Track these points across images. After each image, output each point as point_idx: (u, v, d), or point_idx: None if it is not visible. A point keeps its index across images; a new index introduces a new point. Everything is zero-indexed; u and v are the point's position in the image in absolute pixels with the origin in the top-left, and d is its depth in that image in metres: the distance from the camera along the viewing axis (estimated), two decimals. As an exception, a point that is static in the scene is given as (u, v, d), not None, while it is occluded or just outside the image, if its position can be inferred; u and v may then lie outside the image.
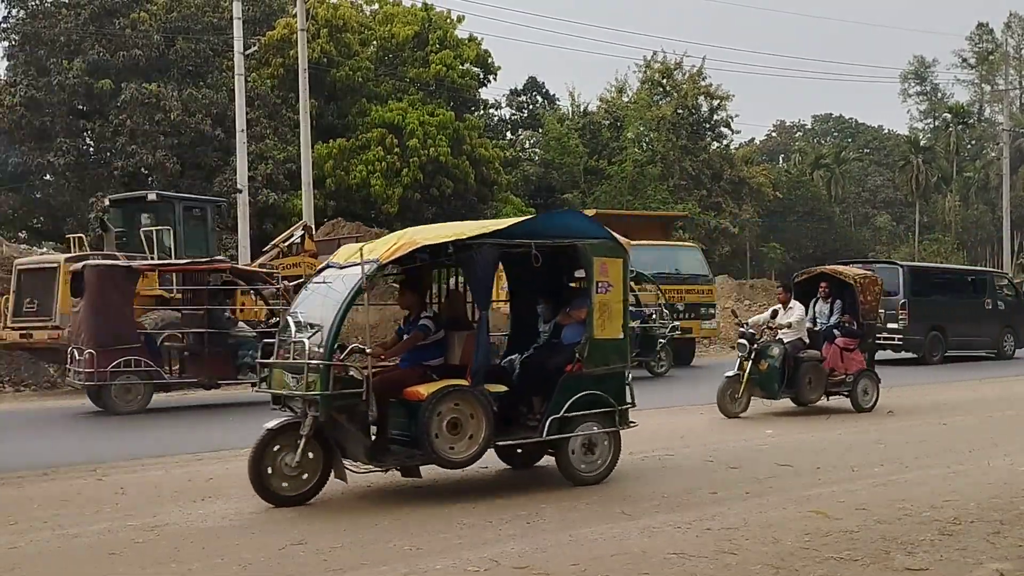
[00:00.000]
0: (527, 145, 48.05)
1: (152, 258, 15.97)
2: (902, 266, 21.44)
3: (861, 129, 75.64)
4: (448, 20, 37.99)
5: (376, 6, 39.32)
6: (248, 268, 14.70)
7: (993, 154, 62.91)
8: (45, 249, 24.95)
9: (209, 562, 5.43)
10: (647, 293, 17.91)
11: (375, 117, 33.74)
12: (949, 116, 64.91)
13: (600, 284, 7.32)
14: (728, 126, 48.44)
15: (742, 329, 12.00)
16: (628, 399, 7.62)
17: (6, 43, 32.42)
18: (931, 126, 71.51)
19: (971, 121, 66.71)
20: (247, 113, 25.38)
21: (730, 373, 11.69)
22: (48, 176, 32.00)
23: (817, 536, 5.82)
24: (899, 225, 64.27)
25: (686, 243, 24.65)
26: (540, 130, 46.95)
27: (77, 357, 12.36)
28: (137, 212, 17.44)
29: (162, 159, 29.35)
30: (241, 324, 13.92)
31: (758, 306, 27.05)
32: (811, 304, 12.52)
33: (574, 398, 7.22)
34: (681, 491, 7.19)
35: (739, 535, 5.86)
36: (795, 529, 6.00)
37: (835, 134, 76.64)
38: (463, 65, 37.30)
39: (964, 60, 72.44)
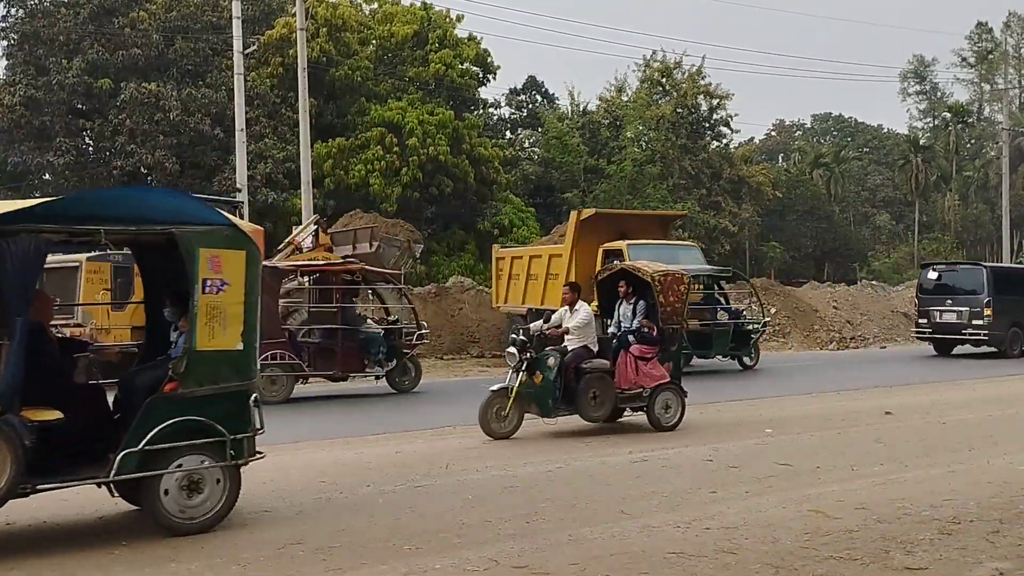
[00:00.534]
0: (526, 144, 48.05)
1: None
2: (986, 267, 22.71)
3: (861, 128, 75.68)
4: (447, 19, 37.99)
5: (375, 5, 39.33)
6: (374, 269, 15.67)
7: (992, 153, 62.94)
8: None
9: (208, 561, 5.43)
10: (741, 290, 19.97)
11: (374, 116, 33.74)
12: (949, 115, 64.95)
13: (208, 282, 5.94)
14: (728, 125, 48.46)
15: (513, 335, 10.30)
16: (251, 425, 6.40)
17: (5, 42, 32.41)
18: (931, 125, 71.56)
19: (970, 120, 66.75)
20: (246, 112, 25.37)
21: (496, 386, 10.02)
22: (47, 175, 31.99)
23: (817, 535, 5.82)
24: (898, 224, 64.30)
25: (686, 242, 24.61)
26: (540, 129, 46.95)
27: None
28: None
29: (161, 158, 29.35)
30: (369, 321, 15.12)
31: (758, 305, 26.96)
32: (616, 306, 10.94)
33: (162, 426, 5.84)
34: (681, 490, 7.19)
35: (739, 534, 5.86)
36: (795, 528, 5.99)
37: (835, 133, 76.68)
38: (462, 64, 37.30)
39: (964, 59, 72.52)
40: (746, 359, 18.72)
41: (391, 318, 15.79)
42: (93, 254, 15.71)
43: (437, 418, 11.79)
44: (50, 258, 15.46)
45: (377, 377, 14.67)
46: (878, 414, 11.65)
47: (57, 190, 31.95)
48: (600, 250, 19.82)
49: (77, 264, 15.41)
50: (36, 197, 33.80)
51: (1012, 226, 48.53)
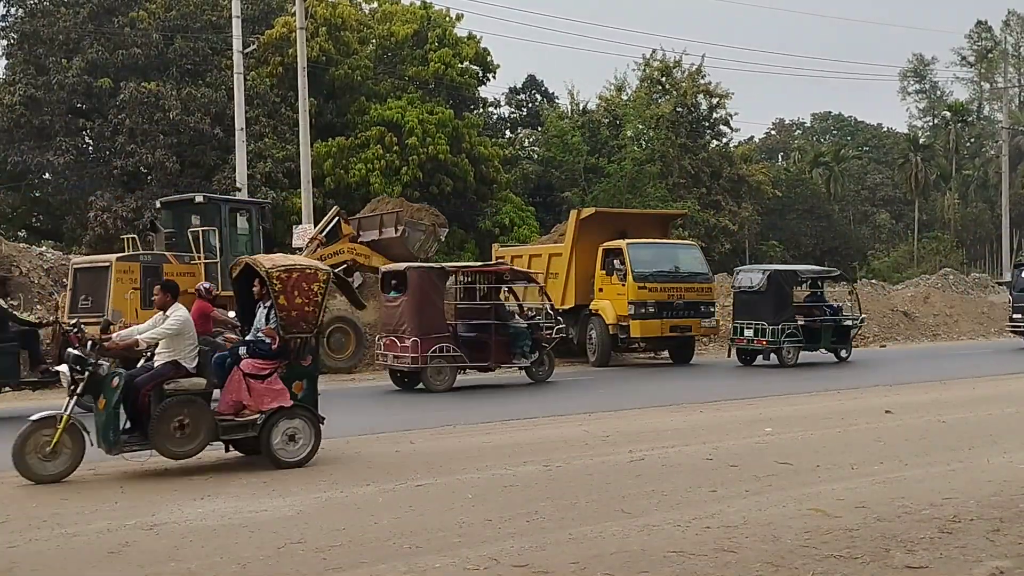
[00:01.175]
0: (526, 143, 48.05)
1: (199, 258, 16.78)
2: None
3: (860, 127, 75.69)
4: (447, 18, 37.98)
5: (375, 4, 39.31)
6: (518, 269, 17.06)
7: (992, 152, 62.98)
8: (44, 248, 24.93)
9: (208, 561, 5.43)
10: (839, 290, 21.77)
11: (374, 115, 33.73)
12: (948, 114, 64.95)
13: None
14: (727, 124, 48.43)
15: (70, 350, 8.26)
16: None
17: (5, 42, 32.38)
18: (930, 124, 71.60)
19: (970, 119, 66.76)
20: (246, 112, 25.36)
21: (41, 414, 7.91)
22: (47, 175, 31.97)
23: (817, 534, 5.82)
24: (898, 223, 64.33)
25: (685, 241, 24.62)
26: (540, 128, 46.94)
27: (399, 344, 14.61)
28: (186, 214, 18.08)
29: (161, 158, 29.34)
30: (517, 317, 16.21)
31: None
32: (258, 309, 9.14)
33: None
34: (681, 489, 7.19)
35: (739, 533, 5.86)
36: (795, 527, 5.99)
37: (834, 132, 76.67)
38: (462, 63, 37.29)
39: (963, 58, 72.56)
40: (842, 352, 20.13)
41: (530, 314, 16.84)
42: (123, 255, 16.46)
43: (437, 417, 11.79)
44: (82, 258, 16.20)
45: (520, 368, 15.92)
46: (878, 413, 11.65)
47: (57, 189, 31.95)
48: (600, 249, 19.84)
49: (108, 264, 15.98)
50: (35, 196, 33.84)
51: (1012, 225, 48.58)
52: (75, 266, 17.11)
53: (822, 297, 21.16)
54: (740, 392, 14.39)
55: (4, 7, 32.43)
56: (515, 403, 13.60)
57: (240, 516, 6.50)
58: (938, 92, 74.02)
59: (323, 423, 8.57)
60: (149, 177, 31.23)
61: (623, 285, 19.04)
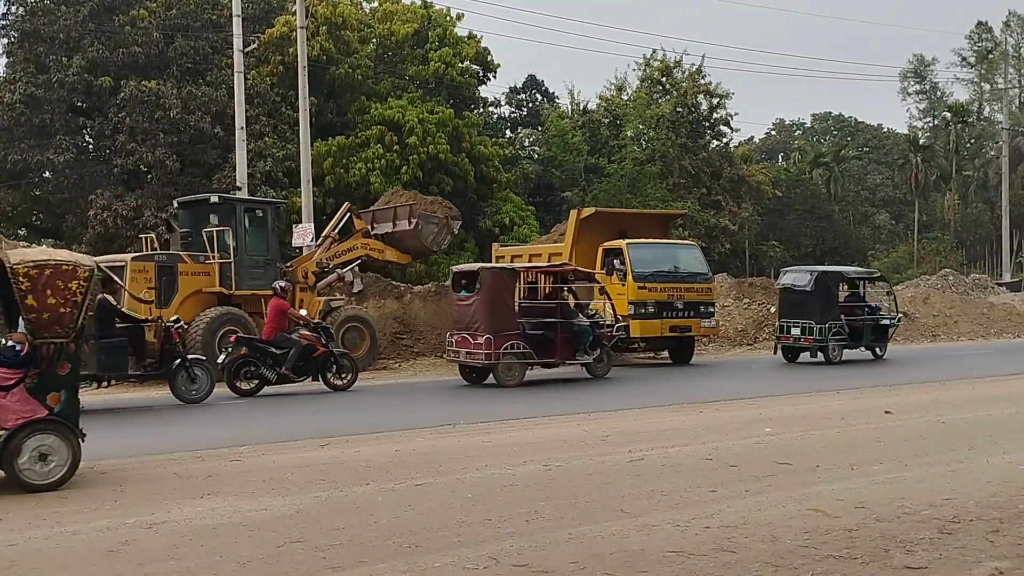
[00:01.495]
0: (526, 143, 48.06)
1: (215, 257, 17.02)
2: None
3: (860, 128, 75.72)
4: (447, 18, 37.99)
5: (375, 4, 39.31)
6: (581, 269, 17.44)
7: (992, 153, 62.99)
8: (44, 246, 24.95)
9: (207, 559, 5.42)
10: (878, 291, 22.79)
11: (374, 115, 33.74)
12: (948, 115, 65.00)
13: None
14: (728, 124, 48.47)
15: None
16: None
17: (5, 40, 32.37)
18: (930, 125, 71.62)
19: (970, 120, 66.80)
20: (246, 111, 25.36)
21: None
22: (47, 173, 31.96)
23: (816, 534, 5.82)
24: (898, 223, 64.36)
25: (685, 241, 24.64)
26: (540, 128, 46.95)
27: (473, 341, 15.28)
28: (203, 214, 18.26)
29: (161, 156, 29.33)
30: (580, 316, 16.76)
31: (757, 304, 27.08)
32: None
33: None
34: (680, 489, 7.19)
35: (738, 533, 5.86)
36: (794, 527, 5.99)
37: (834, 132, 76.70)
38: (462, 63, 37.30)
39: (963, 59, 72.60)
40: (878, 349, 21.04)
41: (591, 312, 17.37)
42: (138, 255, 16.92)
43: (437, 416, 11.79)
44: (100, 258, 16.82)
45: (582, 364, 16.53)
46: (878, 413, 11.65)
47: (57, 188, 31.94)
48: (600, 249, 19.84)
49: (123, 264, 16.28)
50: (35, 195, 33.83)
51: (1012, 226, 48.60)
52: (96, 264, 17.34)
53: (863, 297, 21.85)
54: (740, 392, 14.39)
55: (4, 5, 32.42)
56: (514, 403, 13.60)
57: (239, 515, 6.50)
58: (938, 93, 74.09)
59: (84, 440, 7.61)
60: (149, 176, 31.22)
61: (623, 285, 19.05)
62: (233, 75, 25.27)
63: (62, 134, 30.13)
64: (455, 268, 17.22)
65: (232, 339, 15.04)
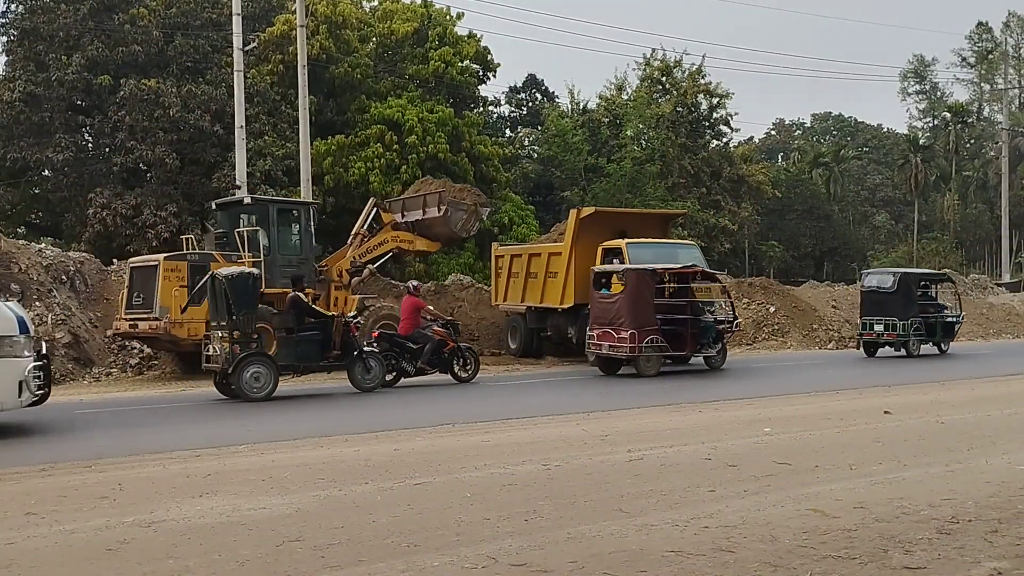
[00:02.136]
0: (526, 143, 48.04)
1: (247, 257, 17.42)
2: None
3: (860, 128, 75.73)
4: (447, 17, 37.97)
5: (375, 3, 39.30)
6: (707, 270, 18.86)
7: (992, 153, 62.99)
8: (43, 244, 24.92)
9: (206, 558, 5.42)
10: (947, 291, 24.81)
11: (374, 114, 33.72)
12: (948, 115, 65.01)
13: None
14: (727, 124, 48.48)
15: None
16: None
17: (5, 38, 32.35)
18: (930, 125, 71.62)
19: (970, 120, 66.80)
20: (246, 109, 25.35)
21: None
22: (47, 171, 31.95)
23: (815, 534, 5.82)
24: (898, 224, 64.37)
25: (685, 241, 24.63)
26: (540, 127, 46.93)
27: (616, 336, 16.61)
28: (237, 214, 18.83)
29: (161, 155, 29.31)
30: (706, 313, 18.32)
31: (756, 304, 27.12)
32: None
33: None
34: (679, 488, 7.19)
35: (737, 533, 5.86)
36: (793, 527, 5.99)
37: (834, 133, 76.71)
38: (462, 62, 37.27)
39: (963, 59, 72.60)
40: (943, 344, 23.01)
41: (712, 309, 18.81)
42: (171, 254, 17.60)
43: (436, 416, 11.79)
44: (137, 258, 17.45)
45: (705, 356, 18.05)
46: (877, 413, 11.65)
47: (56, 186, 31.92)
48: (599, 248, 19.83)
49: (156, 263, 17.02)
50: (35, 193, 33.82)
51: (1011, 226, 48.62)
52: (131, 265, 18.25)
53: (933, 297, 23.88)
54: (739, 392, 14.40)
55: (4, 3, 32.41)
56: (514, 402, 13.60)
57: (238, 514, 6.49)
58: (938, 93, 74.09)
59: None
60: (149, 174, 31.21)
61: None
62: (233, 74, 25.27)
63: (61, 132, 30.11)
64: (596, 268, 18.37)
65: (375, 335, 16.07)
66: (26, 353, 10.22)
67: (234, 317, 13.50)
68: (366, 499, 6.94)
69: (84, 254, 22.41)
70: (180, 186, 30.03)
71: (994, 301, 34.94)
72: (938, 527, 5.99)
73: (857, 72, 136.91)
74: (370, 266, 19.57)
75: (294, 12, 26.27)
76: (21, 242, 22.16)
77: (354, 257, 19.55)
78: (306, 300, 14.91)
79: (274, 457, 8.80)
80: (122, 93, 29.38)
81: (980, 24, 71.87)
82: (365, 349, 14.88)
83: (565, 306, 19.93)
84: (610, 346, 16.82)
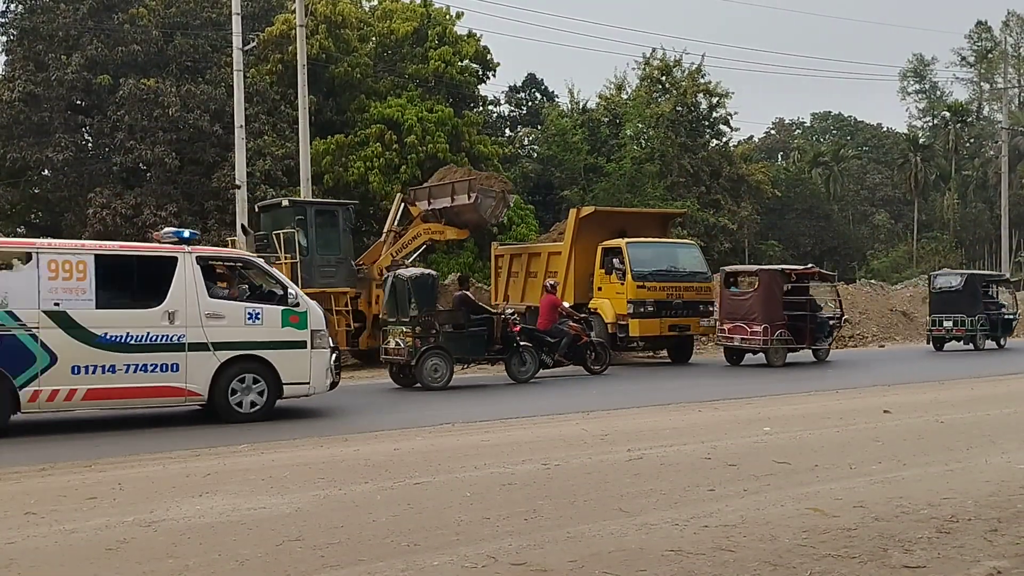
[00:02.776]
0: (526, 142, 48.00)
1: (285, 258, 17.87)
2: None
3: (860, 127, 75.67)
4: (447, 16, 37.94)
5: (375, 2, 39.27)
6: (823, 272, 21.42)
7: (992, 152, 63.00)
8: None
9: (206, 558, 5.42)
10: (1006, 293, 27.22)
11: (374, 113, 33.70)
12: (948, 114, 64.97)
13: None
14: (727, 123, 48.43)
15: None
16: None
17: (4, 38, 32.34)
18: (930, 124, 71.58)
19: (970, 119, 66.77)
20: (246, 109, 25.34)
21: None
22: (46, 171, 31.94)
23: (815, 533, 5.82)
24: (897, 223, 64.33)
25: (685, 240, 24.63)
26: (540, 126, 46.90)
27: (749, 330, 18.85)
28: (278, 216, 19.26)
29: (160, 154, 29.30)
30: (823, 309, 20.60)
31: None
32: None
33: None
34: (679, 488, 7.19)
35: (736, 532, 5.86)
36: (792, 526, 5.99)
37: (834, 132, 76.62)
38: (462, 61, 37.25)
39: (963, 58, 72.62)
40: (1002, 340, 25.06)
41: (822, 307, 21.09)
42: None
43: (436, 415, 11.79)
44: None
45: (817, 349, 19.95)
46: (876, 413, 11.65)
47: (56, 186, 31.91)
48: (599, 248, 19.84)
49: None
50: (34, 193, 33.80)
51: (1011, 225, 48.60)
52: None
53: (994, 296, 25.85)
54: (739, 391, 14.40)
55: (4, 3, 32.40)
56: (514, 402, 13.61)
57: (238, 513, 6.49)
58: (938, 92, 74.06)
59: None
60: (148, 174, 31.20)
61: (622, 284, 19.10)
62: (232, 73, 25.25)
63: (61, 132, 30.10)
64: (727, 268, 20.54)
65: (515, 329, 16.54)
66: (330, 344, 12.05)
67: (416, 314, 15.05)
68: (366, 499, 6.95)
69: (84, 253, 22.42)
70: (180, 186, 30.02)
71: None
72: (937, 526, 6.00)
73: (857, 72, 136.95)
74: (406, 261, 19.92)
75: (293, 12, 26.27)
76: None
77: (391, 254, 19.96)
78: (474, 299, 16.53)
79: (273, 457, 8.80)
80: (121, 93, 29.37)
81: (980, 23, 71.94)
82: (521, 344, 16.04)
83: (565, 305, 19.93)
84: (742, 339, 18.91)
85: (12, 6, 32.30)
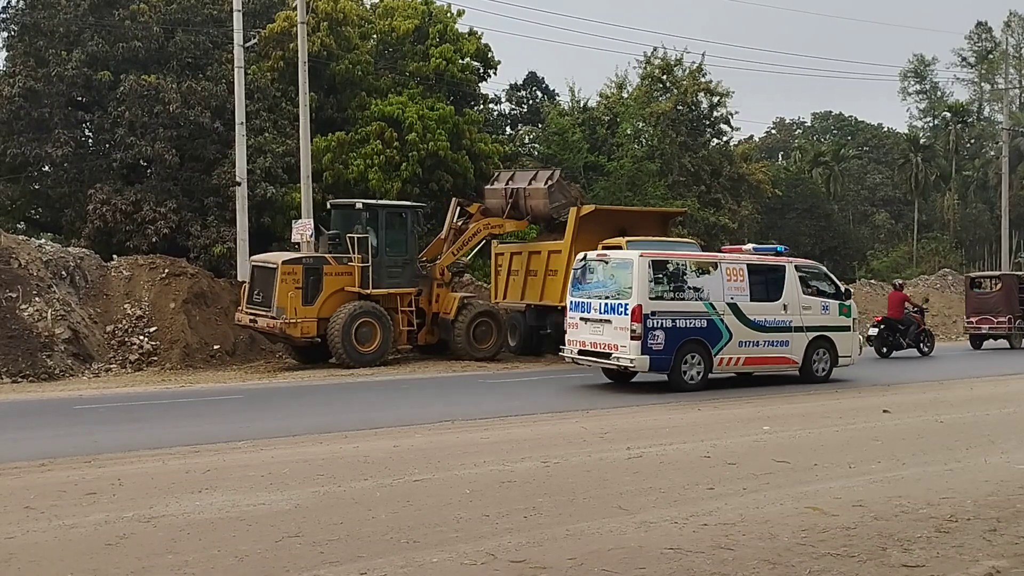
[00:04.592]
0: (527, 140, 47.97)
1: (356, 259, 18.38)
2: None
3: (860, 127, 75.60)
4: (448, 14, 37.88)
5: (376, -1, 39.23)
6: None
7: (992, 153, 62.97)
8: (43, 240, 24.89)
9: (206, 554, 5.43)
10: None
11: (374, 111, 33.63)
12: (948, 115, 64.92)
13: None
14: (728, 123, 48.34)
15: None
16: None
17: (5, 33, 32.30)
18: (930, 124, 71.53)
19: (970, 120, 66.73)
20: (246, 106, 25.31)
21: None
22: (46, 167, 31.86)
23: (814, 532, 5.82)
24: (897, 223, 64.29)
25: (685, 239, 24.59)
26: (540, 125, 46.88)
27: (995, 321, 24.49)
28: (351, 217, 19.63)
29: (161, 151, 29.23)
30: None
31: None
32: None
33: None
34: (678, 486, 7.19)
35: (736, 530, 5.86)
36: (792, 525, 6.00)
37: (834, 132, 76.58)
38: (463, 59, 37.19)
39: (963, 59, 72.58)
40: None
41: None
42: (288, 257, 18.44)
43: (435, 413, 11.79)
44: (258, 256, 18.65)
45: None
46: (876, 412, 11.66)
47: (56, 182, 31.87)
48: (599, 246, 19.82)
49: (275, 265, 17.92)
50: (34, 189, 33.78)
51: (1011, 226, 48.56)
52: (253, 263, 19.26)
53: None
54: (738, 391, 14.40)
55: (4, -1, 32.33)
56: (513, 399, 13.61)
57: (238, 509, 6.50)
58: (938, 93, 73.97)
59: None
60: (148, 170, 31.14)
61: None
62: (233, 70, 25.24)
63: (61, 128, 30.05)
64: (972, 274, 25.81)
65: (877, 319, 21.63)
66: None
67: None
68: (365, 495, 6.95)
69: (84, 250, 22.41)
70: (180, 182, 29.95)
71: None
72: (937, 525, 6.00)
73: (857, 72, 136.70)
74: (464, 259, 20.47)
75: (295, 9, 26.24)
76: (21, 237, 22.16)
77: (452, 252, 20.43)
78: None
79: (273, 453, 8.80)
80: (122, 89, 29.31)
81: (980, 24, 71.88)
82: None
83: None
84: (989, 328, 24.38)
85: (13, 1, 32.27)
